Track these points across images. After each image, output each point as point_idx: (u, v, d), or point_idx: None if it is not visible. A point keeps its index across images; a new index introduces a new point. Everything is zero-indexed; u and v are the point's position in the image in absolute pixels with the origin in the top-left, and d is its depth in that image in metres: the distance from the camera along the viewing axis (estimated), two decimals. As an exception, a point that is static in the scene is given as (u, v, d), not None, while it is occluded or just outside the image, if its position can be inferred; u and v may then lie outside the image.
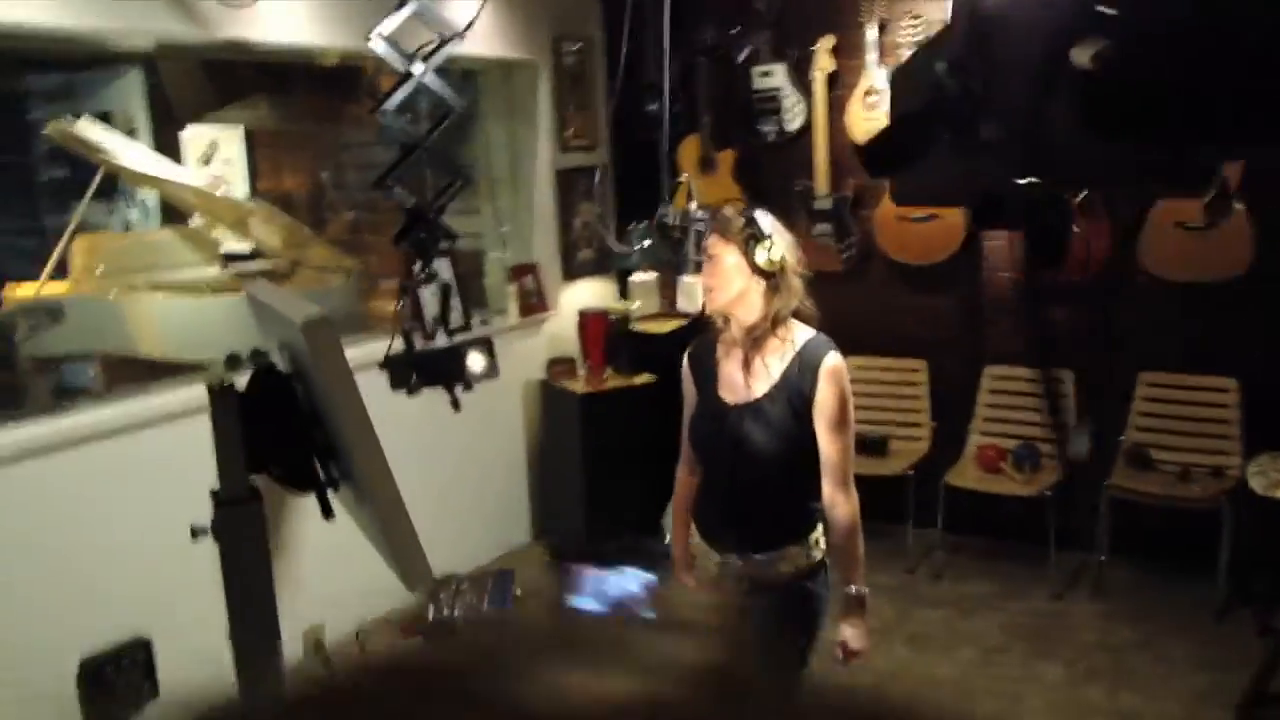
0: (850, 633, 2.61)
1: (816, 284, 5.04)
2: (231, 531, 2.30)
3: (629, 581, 0.68)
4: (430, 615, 2.47)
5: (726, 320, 2.62)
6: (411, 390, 3.68)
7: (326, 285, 6.02)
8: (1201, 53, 0.84)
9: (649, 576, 0.69)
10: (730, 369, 2.62)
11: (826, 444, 2.51)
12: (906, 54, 4.67)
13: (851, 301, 5.15)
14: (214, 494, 2.29)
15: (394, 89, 3.49)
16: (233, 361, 4.71)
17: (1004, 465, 4.57)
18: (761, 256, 2.51)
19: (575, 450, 4.89)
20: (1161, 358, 4.53)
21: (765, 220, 2.55)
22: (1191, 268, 4.36)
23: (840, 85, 4.96)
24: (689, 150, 5.26)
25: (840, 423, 2.51)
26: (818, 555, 2.61)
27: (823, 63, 4.91)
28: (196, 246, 6.17)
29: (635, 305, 5.35)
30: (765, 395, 2.54)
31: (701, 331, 2.78)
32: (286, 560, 4.32)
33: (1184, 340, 4.49)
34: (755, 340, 2.57)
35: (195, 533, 2.28)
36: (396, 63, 3.40)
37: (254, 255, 6.30)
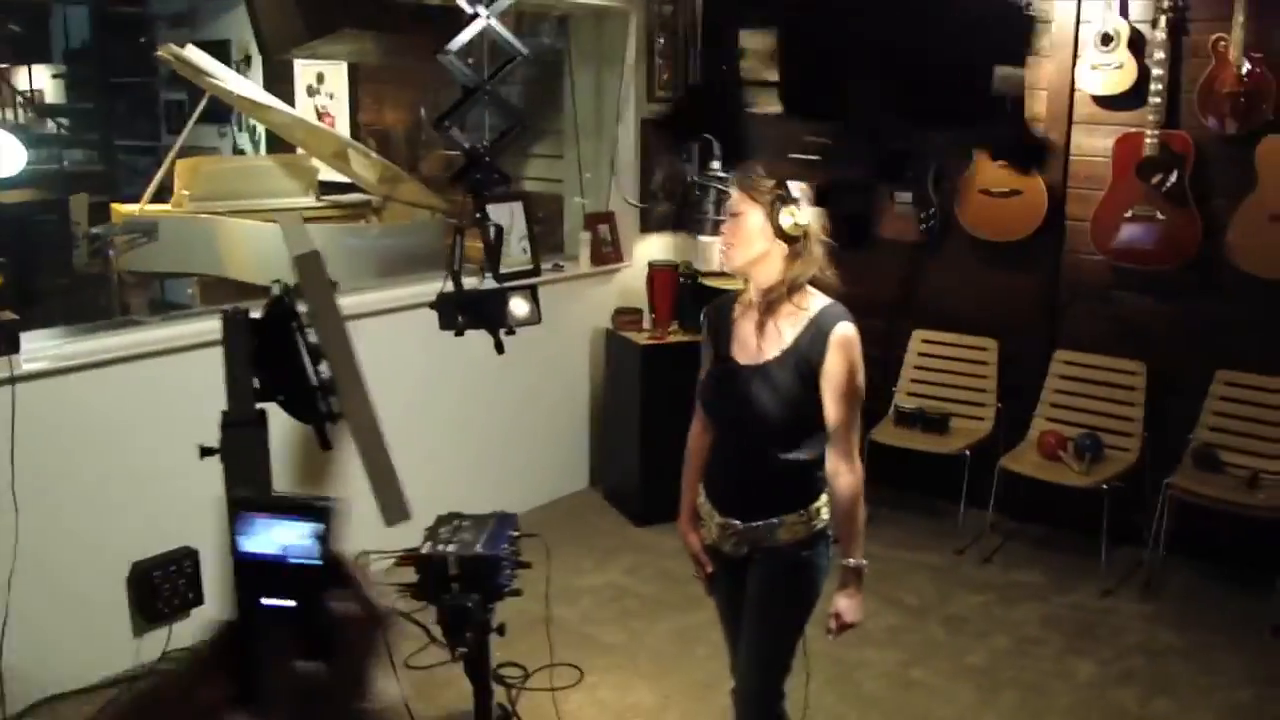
0: (844, 604, 2.60)
1: (894, 253, 5.03)
2: (236, 453, 2.38)
3: (298, 530, 0.70)
4: (425, 549, 2.51)
5: (746, 280, 2.61)
6: (459, 331, 3.76)
7: (415, 221, 6.15)
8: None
9: (319, 526, 0.70)
10: (745, 330, 2.61)
11: (832, 413, 2.49)
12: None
13: (926, 274, 5.06)
14: (223, 415, 2.37)
15: (459, 32, 3.54)
16: (295, 290, 4.85)
17: (1063, 454, 4.44)
18: (787, 220, 2.47)
19: (634, 400, 4.92)
20: (1243, 357, 4.33)
21: (795, 184, 2.52)
22: (1283, 265, 4.15)
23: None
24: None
25: (847, 393, 2.48)
26: (819, 525, 2.59)
27: (916, 27, 4.77)
28: (295, 175, 6.34)
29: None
30: (775, 359, 2.52)
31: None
32: (332, 489, 4.44)
33: (1268, 340, 4.28)
34: (770, 303, 2.55)
35: (204, 452, 2.37)
36: (463, 4, 3.44)
37: (350, 187, 6.45)
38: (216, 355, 3.97)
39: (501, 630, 2.73)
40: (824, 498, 2.61)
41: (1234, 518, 4.16)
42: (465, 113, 3.61)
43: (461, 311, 3.67)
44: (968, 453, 4.61)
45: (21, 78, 8.68)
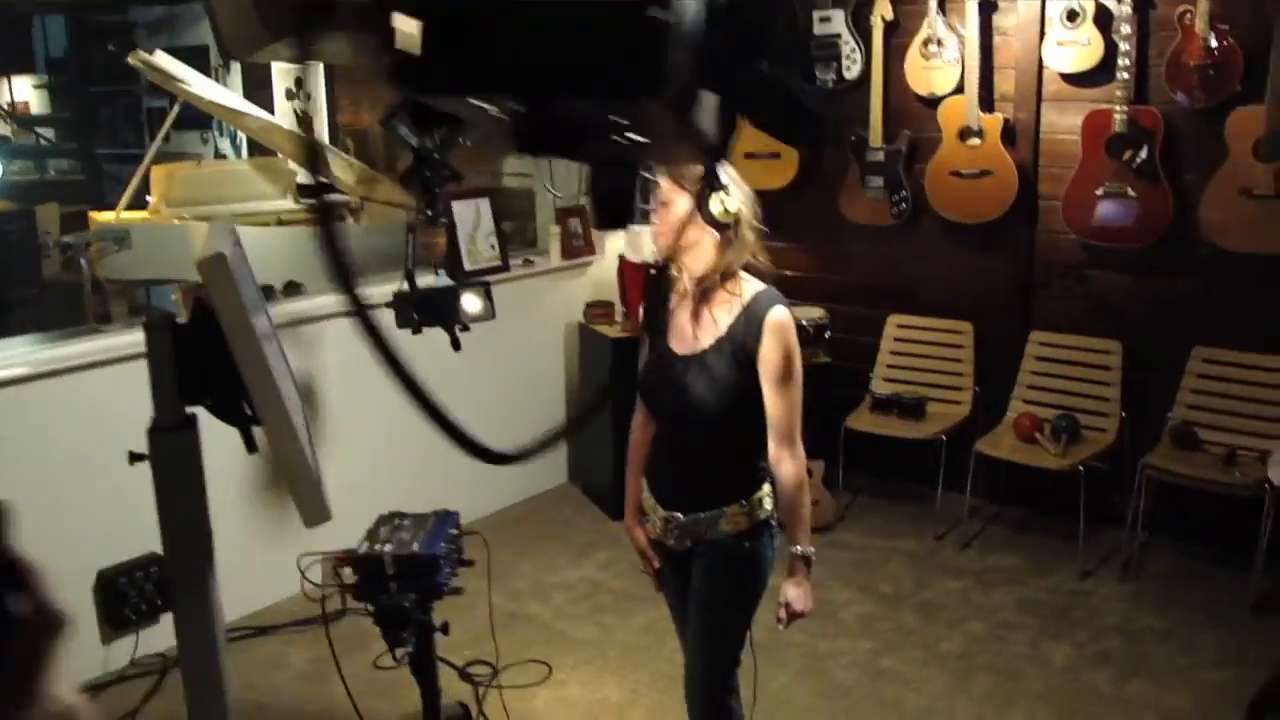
0: (793, 593, 2.55)
1: (866, 237, 4.99)
2: (164, 458, 2.35)
3: None
4: (362, 549, 2.49)
5: (680, 269, 2.57)
6: (415, 329, 3.73)
7: (391, 221, 6.12)
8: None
9: None
10: (681, 319, 2.57)
11: (770, 400, 2.45)
12: (969, 4, 4.46)
13: (900, 258, 5.02)
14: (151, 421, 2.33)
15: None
16: (265, 292, 4.79)
17: (1040, 436, 4.38)
18: (716, 207, 2.43)
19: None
20: (1219, 333, 4.27)
21: (723, 170, 2.47)
22: (1257, 238, 4.08)
23: (899, 33, 4.77)
24: (744, 96, 5.14)
25: (784, 378, 2.44)
26: (761, 515, 2.55)
27: (882, 9, 4.72)
28: (272, 179, 6.33)
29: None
30: (711, 347, 2.48)
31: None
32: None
33: (1245, 316, 4.22)
34: (704, 291, 2.51)
35: (133, 458, 2.34)
36: None
37: (327, 189, 6.42)
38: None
39: (445, 629, 2.70)
40: (766, 487, 2.57)
41: (1213, 496, 4.10)
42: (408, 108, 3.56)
43: (416, 309, 3.65)
44: (943, 437, 4.55)
45: (3, 89, 8.72)
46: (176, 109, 5.89)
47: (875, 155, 4.84)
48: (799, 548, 2.53)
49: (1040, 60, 4.44)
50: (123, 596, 3.83)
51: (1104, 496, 4.43)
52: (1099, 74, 4.32)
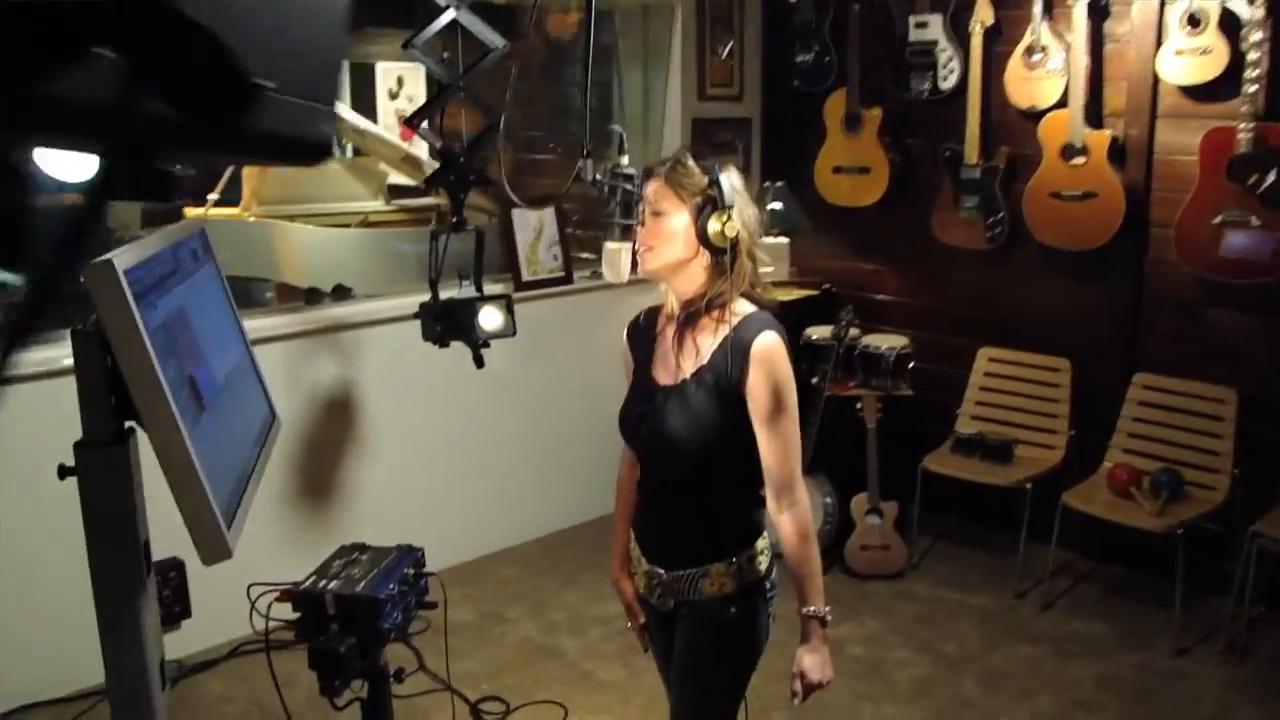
0: (808, 661, 2.20)
1: (959, 261, 4.58)
2: (93, 474, 2.19)
3: None
4: (307, 584, 2.28)
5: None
6: (441, 343, 3.53)
7: (477, 225, 5.97)
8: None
9: None
10: (665, 346, 2.28)
11: (762, 441, 2.12)
12: (1077, 8, 4.02)
13: (994, 286, 4.60)
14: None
15: (427, 24, 3.32)
16: (340, 291, 4.68)
17: (1136, 491, 3.91)
18: (714, 227, 2.13)
19: (672, 419, 4.62)
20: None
21: (730, 183, 2.17)
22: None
23: (1001, 41, 4.35)
24: (834, 106, 4.80)
25: (774, 414, 2.11)
26: (752, 577, 2.23)
27: (982, 14, 4.31)
28: (364, 179, 6.27)
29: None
30: (691, 377, 2.18)
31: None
32: (346, 510, 4.31)
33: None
34: (690, 315, 2.22)
35: (62, 472, 2.19)
36: (435, -3, 3.22)
37: (420, 192, 6.34)
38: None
39: (399, 676, 2.47)
40: (761, 544, 2.26)
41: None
42: (437, 110, 3.39)
43: (438, 322, 3.45)
44: (1028, 486, 4.12)
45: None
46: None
47: (971, 173, 4.43)
48: (811, 608, 2.18)
49: (1155, 71, 3.97)
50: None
51: (1215, 563, 3.93)
52: (1222, 87, 3.83)
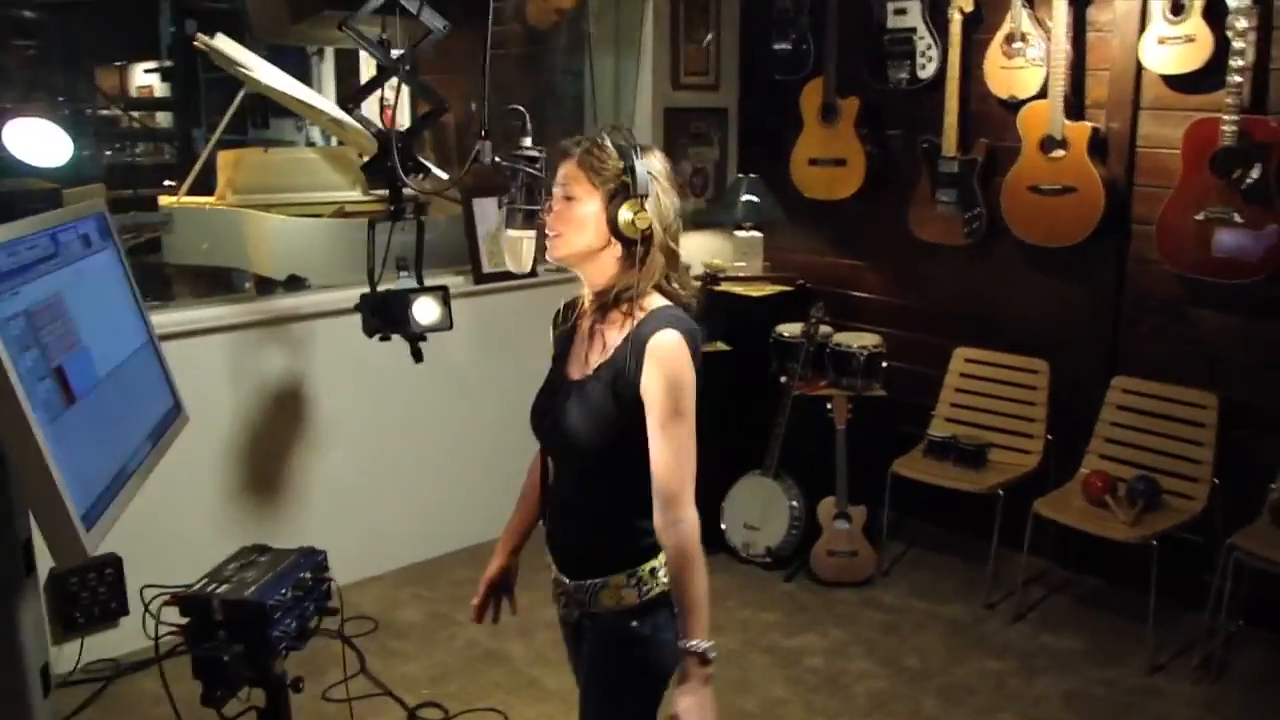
0: (684, 703, 1.93)
1: (935, 257, 4.43)
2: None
3: None
4: (196, 586, 2.15)
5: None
6: (383, 336, 3.40)
7: (452, 215, 5.85)
8: None
9: None
10: (580, 338, 2.14)
11: (652, 448, 1.94)
12: (1059, -8, 3.86)
13: (971, 284, 4.45)
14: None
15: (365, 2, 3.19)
16: (293, 281, 4.53)
17: (1110, 499, 3.75)
18: (624, 217, 1.97)
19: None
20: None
21: (647, 167, 2.00)
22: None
23: (981, 28, 4.19)
24: (810, 96, 4.65)
25: (666, 419, 1.93)
26: (654, 590, 2.07)
27: (961, 0, 4.15)
28: (342, 169, 6.13)
29: (738, 264, 4.85)
30: (594, 372, 2.03)
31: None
32: (295, 507, 4.19)
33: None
34: (601, 307, 2.07)
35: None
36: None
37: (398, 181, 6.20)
38: (178, 347, 3.74)
39: (297, 685, 2.33)
40: (663, 556, 2.10)
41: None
42: (371, 93, 3.25)
43: (374, 314, 3.32)
44: (1000, 492, 3.96)
45: (132, 73, 8.87)
46: (241, 95, 5.76)
47: (948, 166, 4.27)
48: (691, 643, 1.94)
49: (1138, 60, 3.80)
50: (73, 598, 3.63)
51: (1193, 575, 3.76)
52: (1207, 77, 3.65)
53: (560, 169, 2.05)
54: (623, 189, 1.98)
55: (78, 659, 3.65)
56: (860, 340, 4.38)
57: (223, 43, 5.54)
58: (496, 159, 2.12)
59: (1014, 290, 4.31)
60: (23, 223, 1.97)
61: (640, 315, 2.00)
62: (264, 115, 7.89)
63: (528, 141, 2.06)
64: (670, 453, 1.93)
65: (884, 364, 4.38)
